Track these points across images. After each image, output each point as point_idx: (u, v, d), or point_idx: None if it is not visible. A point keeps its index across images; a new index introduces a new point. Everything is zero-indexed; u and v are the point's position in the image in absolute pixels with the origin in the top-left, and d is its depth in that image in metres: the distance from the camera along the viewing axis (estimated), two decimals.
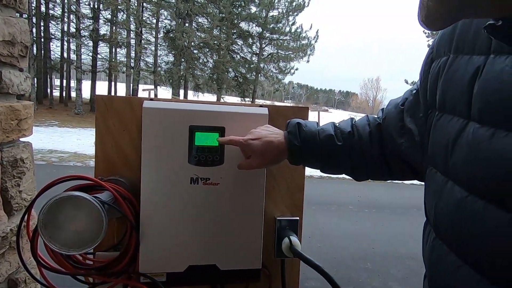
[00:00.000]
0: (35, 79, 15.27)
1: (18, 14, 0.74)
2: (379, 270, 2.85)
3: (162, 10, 16.28)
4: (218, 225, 0.78)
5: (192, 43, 16.27)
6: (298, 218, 0.90)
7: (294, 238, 0.83)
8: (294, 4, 19.19)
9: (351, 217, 4.32)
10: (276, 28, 19.08)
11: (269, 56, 20.03)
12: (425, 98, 0.44)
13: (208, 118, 0.75)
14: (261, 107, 0.82)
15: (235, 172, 0.76)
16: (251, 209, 0.79)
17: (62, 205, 0.60)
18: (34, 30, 15.37)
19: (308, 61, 19.93)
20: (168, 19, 17.14)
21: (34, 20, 15.36)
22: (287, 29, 19.49)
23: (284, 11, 19.30)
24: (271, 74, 20.42)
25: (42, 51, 16.48)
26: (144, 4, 16.26)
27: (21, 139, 0.81)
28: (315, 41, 19.62)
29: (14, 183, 0.76)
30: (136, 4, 15.76)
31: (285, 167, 0.85)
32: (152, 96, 10.02)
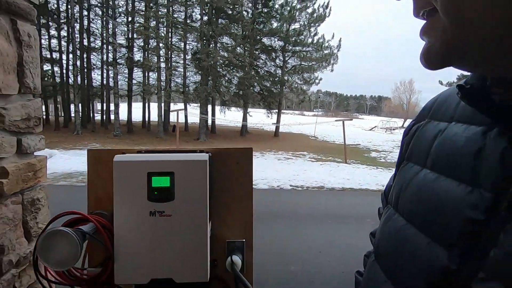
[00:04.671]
0: (80, 105, 16.96)
1: (32, 95, 1.06)
2: None
3: (189, 34, 17.37)
4: (172, 247, 1.00)
5: (217, 63, 17.06)
6: (244, 240, 1.10)
7: (235, 258, 1.02)
8: (315, 15, 19.40)
9: (367, 230, 4.30)
10: (298, 40, 19.35)
11: (293, 68, 20.28)
12: (402, 154, 0.50)
13: (161, 165, 0.99)
14: (202, 154, 1.04)
15: (183, 205, 0.99)
16: (198, 233, 1.01)
17: (53, 237, 0.87)
18: (78, 62, 17.20)
19: (332, 70, 19.86)
20: (195, 42, 18.21)
21: (78, 53, 17.22)
22: (309, 40, 19.68)
23: (305, 23, 19.57)
24: (296, 85, 20.60)
25: (86, 81, 18.31)
26: (173, 29, 17.49)
27: (39, 184, 1.12)
28: (338, 50, 19.54)
29: (32, 217, 1.05)
30: (165, 31, 17.03)
31: (237, 198, 1.06)
32: (181, 114, 10.65)
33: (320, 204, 5.51)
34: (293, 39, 19.23)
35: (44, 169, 1.12)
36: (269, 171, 8.61)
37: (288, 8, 18.80)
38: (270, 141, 17.47)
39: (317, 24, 19.65)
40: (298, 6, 19.18)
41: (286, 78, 20.00)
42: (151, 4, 16.28)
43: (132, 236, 1.02)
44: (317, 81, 20.52)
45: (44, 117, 19.21)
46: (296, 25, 19.61)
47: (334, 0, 20.44)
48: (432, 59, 0.31)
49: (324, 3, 19.22)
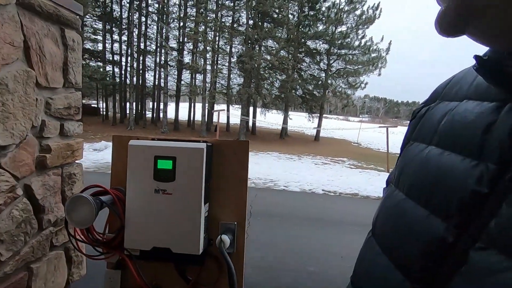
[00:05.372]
0: (134, 104, 18.56)
1: (74, 89, 1.30)
2: None
3: (234, 38, 17.99)
4: (171, 221, 1.16)
5: (260, 65, 17.38)
6: (235, 223, 1.22)
7: (224, 237, 1.14)
8: (363, 17, 18.71)
9: None
10: (344, 43, 18.82)
11: (337, 71, 19.77)
12: (408, 136, 0.48)
13: (165, 150, 1.16)
14: (201, 143, 1.19)
15: (182, 186, 1.14)
16: (193, 212, 1.15)
17: (76, 200, 1.08)
18: (135, 64, 18.87)
19: (379, 74, 18.93)
20: (240, 45, 18.79)
21: (135, 56, 18.91)
22: (356, 43, 19.03)
23: (352, 26, 18.97)
24: (340, 89, 20.04)
25: (140, 81, 19.99)
26: (220, 33, 18.28)
27: (75, 161, 1.36)
28: (387, 53, 18.56)
29: (68, 188, 1.29)
30: (212, 35, 17.87)
31: (233, 184, 1.18)
32: (223, 114, 11.12)
33: (351, 211, 5.37)
34: (339, 42, 18.74)
35: (80, 150, 1.36)
36: (303, 174, 8.56)
37: (335, 11, 18.40)
38: (310, 145, 17.24)
39: (365, 26, 18.91)
40: (346, 8, 18.67)
41: (329, 81, 19.56)
42: (201, 10, 17.22)
43: (140, 209, 1.20)
44: (362, 85, 19.72)
45: (104, 113, 21.44)
46: (343, 28, 19.10)
47: (386, 1, 19.51)
48: (447, 23, 0.30)
49: (374, 4, 18.42)
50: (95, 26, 19.67)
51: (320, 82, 19.60)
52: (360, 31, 19.03)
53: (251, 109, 19.84)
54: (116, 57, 20.31)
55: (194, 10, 18.26)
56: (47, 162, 1.15)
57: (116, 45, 20.37)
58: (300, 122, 21.65)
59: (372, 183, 8.21)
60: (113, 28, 19.93)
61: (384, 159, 12.12)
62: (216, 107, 19.35)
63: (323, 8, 18.92)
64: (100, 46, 19.99)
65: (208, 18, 17.40)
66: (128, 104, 18.81)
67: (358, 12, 18.73)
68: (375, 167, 11.33)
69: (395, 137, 12.21)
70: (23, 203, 1.14)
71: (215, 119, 18.54)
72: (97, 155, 8.79)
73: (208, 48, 17.46)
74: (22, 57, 1.09)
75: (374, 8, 18.50)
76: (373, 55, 18.76)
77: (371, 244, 0.44)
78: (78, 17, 1.32)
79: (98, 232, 1.19)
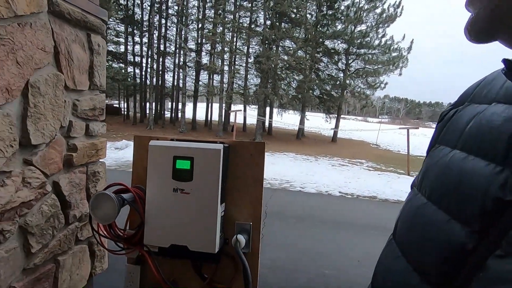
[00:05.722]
0: (153, 104, 19.03)
1: (98, 91, 1.37)
2: None
3: (252, 38, 18.07)
4: (189, 220, 1.19)
5: (277, 66, 17.35)
6: (251, 223, 1.23)
7: (240, 237, 1.17)
8: (384, 15, 18.26)
9: None
10: (363, 43, 18.45)
11: (356, 71, 19.41)
12: (434, 139, 0.48)
13: (184, 151, 1.20)
14: (218, 144, 1.21)
15: (199, 186, 1.17)
16: (209, 211, 1.18)
17: (100, 197, 1.13)
18: (155, 65, 19.36)
19: (400, 74, 18.40)
20: (258, 45, 18.85)
21: (155, 57, 19.41)
22: (376, 42, 18.59)
23: (372, 24, 18.56)
24: (359, 89, 19.66)
25: (160, 82, 20.48)
26: (237, 34, 18.41)
27: (99, 160, 1.43)
28: (408, 52, 18.00)
29: (93, 185, 1.36)
30: (230, 36, 18.03)
31: (248, 185, 1.21)
32: (239, 114, 11.19)
33: (368, 214, 5.26)
34: (358, 41, 18.38)
35: (104, 149, 1.42)
36: (320, 176, 8.47)
37: (355, 9, 18.06)
38: (327, 146, 17.02)
39: (386, 25, 18.44)
40: (366, 7, 18.28)
41: (348, 82, 19.22)
42: (220, 11, 17.42)
43: (159, 207, 1.25)
44: (382, 85, 19.24)
45: (125, 112, 22.13)
46: (362, 27, 18.71)
47: None
48: (477, 30, 0.30)
49: (395, 2, 17.94)
50: (118, 28, 20.39)
51: (338, 82, 19.30)
52: (380, 30, 18.59)
53: (267, 109, 19.84)
54: (137, 59, 20.95)
55: (213, 11, 18.50)
56: (74, 160, 1.22)
57: (137, 47, 21.01)
58: (317, 122, 21.41)
59: (391, 186, 8.00)
60: (135, 31, 20.55)
61: (404, 161, 11.77)
62: (233, 107, 19.52)
63: (342, 7, 18.62)
64: (122, 48, 20.69)
65: (226, 19, 17.57)
66: (148, 104, 19.32)
67: (378, 11, 18.31)
68: (395, 170, 11.03)
69: (416, 139, 11.84)
70: (51, 199, 1.22)
71: (231, 119, 18.68)
72: (118, 153, 9.10)
73: (225, 49, 17.64)
74: (52, 61, 1.16)
75: (396, 6, 18.02)
76: (393, 54, 18.27)
77: (391, 246, 0.44)
78: (103, 22, 1.39)
79: (120, 228, 1.25)
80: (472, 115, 0.39)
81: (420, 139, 23.14)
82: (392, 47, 18.27)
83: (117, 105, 24.37)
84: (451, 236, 0.33)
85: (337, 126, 19.94)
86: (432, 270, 0.34)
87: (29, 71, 1.04)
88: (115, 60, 20.35)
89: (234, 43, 18.57)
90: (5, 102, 0.97)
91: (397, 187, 7.96)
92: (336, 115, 20.45)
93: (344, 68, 19.29)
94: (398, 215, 0.47)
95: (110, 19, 18.02)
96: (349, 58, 19.18)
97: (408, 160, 10.83)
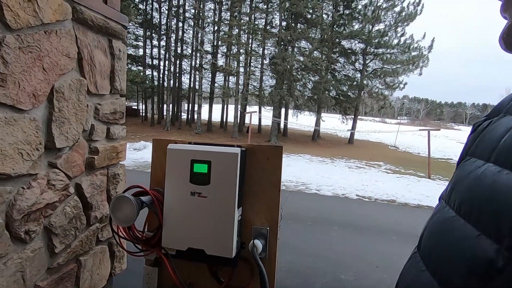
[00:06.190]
0: (170, 106, 19.40)
1: (119, 95, 1.41)
2: None
3: (267, 40, 18.07)
4: (206, 224, 1.20)
5: (293, 67, 17.26)
6: (268, 228, 1.22)
7: (257, 242, 1.16)
8: (403, 14, 17.79)
9: None
10: (381, 42, 18.04)
11: (373, 71, 19.00)
12: (466, 150, 0.46)
13: (201, 155, 1.20)
14: (236, 147, 1.21)
15: (217, 190, 1.17)
16: (226, 215, 1.17)
17: (120, 200, 1.15)
18: (172, 68, 19.74)
19: (420, 74, 17.85)
20: (273, 47, 18.85)
21: (172, 60, 19.79)
22: (395, 41, 18.14)
23: (391, 23, 18.13)
24: (376, 90, 19.23)
25: (177, 84, 20.86)
26: (253, 36, 18.48)
27: (119, 162, 1.46)
28: (429, 51, 17.43)
29: (113, 187, 1.39)
30: (246, 38, 18.12)
31: (265, 189, 1.20)
32: (254, 116, 11.21)
33: (387, 218, 5.11)
34: (376, 40, 17.99)
35: (124, 152, 1.46)
36: (336, 178, 8.34)
37: (372, 8, 17.70)
38: (343, 148, 16.74)
39: (405, 24, 17.96)
40: (384, 5, 17.88)
41: (365, 82, 18.85)
42: (235, 14, 17.55)
43: (177, 210, 1.25)
44: (401, 85, 18.73)
45: (143, 114, 22.67)
46: (381, 26, 18.31)
47: None
48: None
49: (415, 0, 17.44)
50: (137, 32, 20.96)
51: (355, 82, 18.96)
52: (399, 29, 18.13)
53: (283, 110, 19.77)
54: (155, 61, 21.43)
55: (228, 14, 18.66)
56: (95, 163, 1.26)
57: (155, 50, 21.50)
58: (333, 124, 21.11)
59: (411, 190, 7.76)
60: (153, 34, 21.04)
61: (424, 164, 11.40)
62: (248, 108, 19.58)
63: (359, 6, 18.29)
64: (141, 52, 21.23)
65: (242, 21, 17.68)
66: (165, 105, 19.71)
67: (397, 9, 17.86)
68: (415, 173, 10.69)
69: (437, 140, 11.43)
70: (74, 201, 1.26)
71: (247, 120, 18.75)
72: (136, 154, 9.33)
73: (241, 50, 17.73)
74: (76, 67, 1.20)
75: (416, 4, 17.51)
76: (413, 53, 17.75)
77: (416, 259, 0.43)
78: (123, 28, 1.43)
79: (138, 230, 1.27)
80: (508, 127, 0.38)
81: (442, 141, 22.31)
82: (412, 46, 17.76)
83: (136, 107, 25.04)
84: (480, 251, 0.32)
85: (354, 127, 19.58)
86: (457, 285, 0.33)
87: (54, 77, 1.08)
88: (134, 63, 20.92)
89: (250, 45, 18.64)
90: (32, 107, 1.01)
91: (417, 190, 7.71)
92: (352, 116, 20.09)
93: (361, 69, 18.93)
94: (423, 228, 0.45)
95: (130, 24, 18.58)
96: (367, 58, 18.80)
97: (429, 162, 10.46)
